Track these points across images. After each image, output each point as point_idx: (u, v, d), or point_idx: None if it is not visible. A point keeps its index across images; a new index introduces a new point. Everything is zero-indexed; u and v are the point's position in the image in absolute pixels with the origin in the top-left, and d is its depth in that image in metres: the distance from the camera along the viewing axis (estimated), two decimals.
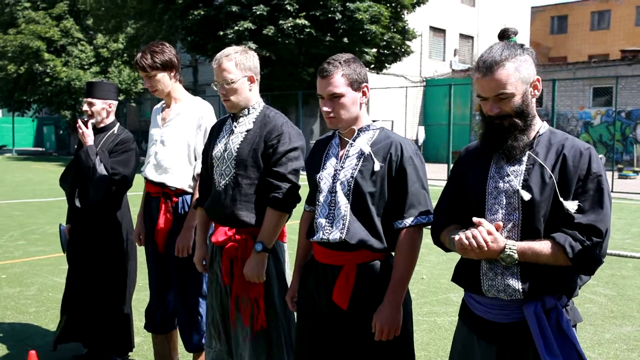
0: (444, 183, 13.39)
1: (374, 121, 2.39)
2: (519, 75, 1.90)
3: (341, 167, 2.31)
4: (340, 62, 2.27)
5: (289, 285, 2.72)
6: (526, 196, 1.90)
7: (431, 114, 27.75)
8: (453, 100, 17.07)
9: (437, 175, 14.34)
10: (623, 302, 5.38)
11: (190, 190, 3.32)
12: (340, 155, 2.35)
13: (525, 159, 1.95)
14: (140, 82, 28.06)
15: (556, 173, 1.90)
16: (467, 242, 1.86)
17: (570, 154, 1.91)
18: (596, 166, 1.89)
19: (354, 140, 2.34)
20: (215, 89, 2.78)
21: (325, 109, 2.28)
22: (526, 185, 1.91)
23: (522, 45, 1.95)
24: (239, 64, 2.72)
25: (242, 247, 2.70)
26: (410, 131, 25.86)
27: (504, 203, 1.94)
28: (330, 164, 2.35)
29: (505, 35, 2.01)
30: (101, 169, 3.62)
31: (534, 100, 1.97)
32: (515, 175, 1.94)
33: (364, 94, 2.34)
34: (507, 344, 1.96)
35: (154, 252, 3.42)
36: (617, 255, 7.18)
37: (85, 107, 3.77)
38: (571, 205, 1.86)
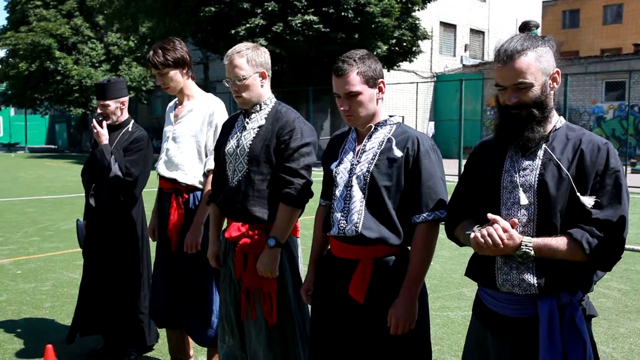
0: (455, 178, 13.33)
1: (391, 116, 2.39)
2: (540, 65, 1.89)
3: (357, 161, 2.32)
4: (355, 60, 2.27)
5: (302, 280, 2.73)
6: (524, 200, 1.90)
7: (442, 110, 27.64)
8: (464, 96, 16.99)
9: (448, 171, 14.30)
10: (637, 296, 5.35)
11: (201, 187, 3.33)
12: (357, 149, 2.35)
13: (541, 153, 1.94)
14: (151, 80, 28.17)
15: (573, 168, 1.89)
16: (482, 240, 1.85)
17: (588, 149, 1.89)
18: (614, 161, 1.88)
19: (370, 135, 2.35)
20: (227, 85, 2.78)
21: (342, 107, 2.29)
22: (542, 180, 1.90)
23: (543, 37, 1.94)
24: (251, 60, 2.72)
25: (255, 242, 2.71)
26: (420, 127, 25.78)
27: (519, 198, 1.93)
28: (347, 158, 2.35)
29: (526, 27, 2.00)
30: (115, 168, 3.65)
31: (552, 92, 1.96)
32: (531, 170, 1.93)
33: (380, 89, 2.33)
34: (521, 339, 1.95)
35: (164, 247, 3.44)
36: (631, 249, 7.14)
37: (99, 110, 3.80)
38: (588, 201, 1.85)
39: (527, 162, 1.95)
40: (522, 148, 1.96)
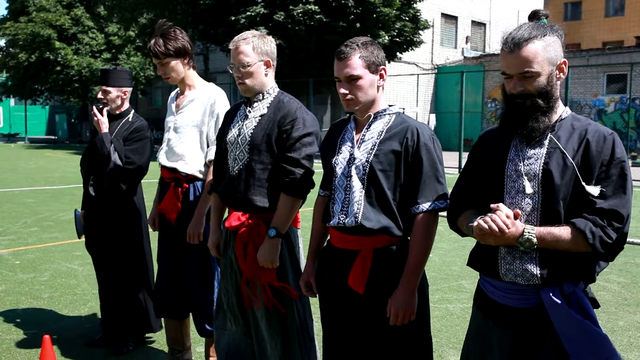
0: (455, 171, 13.25)
1: (390, 106, 2.37)
2: (547, 55, 1.87)
3: (357, 151, 2.30)
4: (357, 45, 2.26)
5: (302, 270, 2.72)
6: (528, 189, 1.88)
7: (443, 102, 27.57)
8: (465, 88, 16.94)
9: (448, 163, 14.27)
10: (637, 289, 5.35)
11: (202, 177, 3.31)
12: (356, 139, 2.33)
13: (546, 142, 1.92)
14: (149, 69, 28.06)
15: (579, 157, 1.87)
16: (485, 226, 1.83)
17: (594, 139, 1.88)
18: (620, 151, 1.86)
19: (369, 125, 2.32)
20: (231, 72, 2.76)
21: (342, 90, 2.27)
22: (546, 169, 1.89)
23: (552, 26, 1.92)
24: (256, 48, 2.70)
25: (256, 232, 2.70)
26: (421, 119, 25.73)
27: (524, 186, 1.92)
28: (346, 148, 2.34)
29: (535, 16, 1.98)
30: (115, 157, 3.63)
31: (558, 83, 1.93)
32: (536, 159, 1.92)
33: (382, 76, 2.31)
34: (524, 329, 1.94)
35: (166, 237, 3.43)
36: (631, 243, 7.13)
37: (100, 95, 3.77)
38: (594, 190, 1.84)
39: (532, 151, 1.93)
40: (526, 137, 1.94)
